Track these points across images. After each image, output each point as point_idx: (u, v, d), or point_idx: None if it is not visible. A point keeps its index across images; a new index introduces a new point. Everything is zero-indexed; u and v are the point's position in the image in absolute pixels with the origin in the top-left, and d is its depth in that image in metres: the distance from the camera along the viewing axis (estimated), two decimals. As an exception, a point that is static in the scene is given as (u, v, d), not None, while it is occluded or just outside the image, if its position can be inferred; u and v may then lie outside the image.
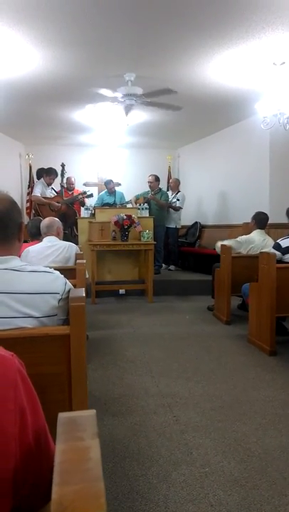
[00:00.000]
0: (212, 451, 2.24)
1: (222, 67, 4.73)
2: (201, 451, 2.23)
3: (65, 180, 7.69)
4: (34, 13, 3.53)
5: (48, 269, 1.57)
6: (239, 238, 5.05)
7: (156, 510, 1.78)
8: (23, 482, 0.66)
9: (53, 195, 7.27)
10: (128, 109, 5.37)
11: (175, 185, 8.14)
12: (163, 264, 7.78)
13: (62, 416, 0.62)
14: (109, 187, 7.72)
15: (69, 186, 7.93)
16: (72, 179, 8.04)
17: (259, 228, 5.03)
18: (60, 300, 1.54)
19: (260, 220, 5.04)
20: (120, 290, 6.56)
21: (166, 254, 7.97)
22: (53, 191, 7.30)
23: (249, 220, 5.25)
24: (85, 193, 7.48)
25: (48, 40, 4.03)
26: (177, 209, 7.81)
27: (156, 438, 2.37)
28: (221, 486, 1.93)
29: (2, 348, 0.73)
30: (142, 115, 6.50)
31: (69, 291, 1.59)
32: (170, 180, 8.60)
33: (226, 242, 5.05)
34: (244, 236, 5.05)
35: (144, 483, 1.96)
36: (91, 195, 7.63)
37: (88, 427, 0.59)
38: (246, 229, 5.15)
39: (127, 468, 2.07)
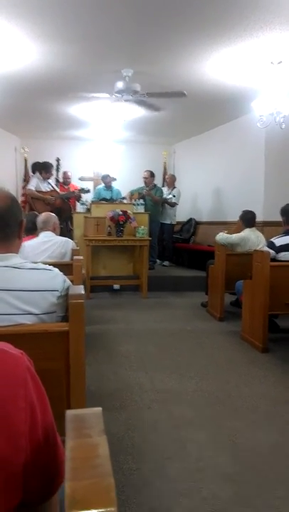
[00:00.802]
0: (205, 446, 2.28)
1: (220, 64, 4.74)
2: (194, 446, 2.27)
3: (60, 175, 7.68)
4: (32, 8, 3.51)
5: (47, 267, 1.59)
6: (237, 237, 5.04)
7: (150, 504, 1.82)
8: (32, 476, 0.69)
9: (49, 190, 7.25)
10: (117, 100, 5.31)
11: (171, 181, 8.13)
12: (157, 260, 7.81)
13: (70, 413, 0.65)
14: (106, 181, 7.73)
15: (65, 181, 7.92)
16: (69, 173, 8.04)
17: (248, 227, 5.06)
18: (59, 297, 1.56)
19: (248, 220, 5.07)
20: (115, 285, 6.58)
21: (161, 250, 8.00)
22: (50, 185, 7.28)
23: (243, 218, 5.27)
24: (82, 189, 7.48)
25: (46, 34, 4.02)
26: (173, 205, 7.82)
27: (150, 433, 2.41)
28: (213, 481, 1.97)
29: (11, 345, 0.75)
30: (138, 110, 6.49)
31: (68, 288, 1.61)
32: (166, 176, 8.61)
33: (231, 237, 5.03)
34: (240, 234, 5.06)
35: (139, 477, 2.00)
36: (88, 191, 7.64)
37: (95, 424, 0.61)
38: (239, 228, 5.17)
39: (121, 462, 2.11)
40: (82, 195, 7.29)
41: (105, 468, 0.51)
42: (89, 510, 0.44)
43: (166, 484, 1.94)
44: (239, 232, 5.11)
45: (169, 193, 7.84)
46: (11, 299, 1.44)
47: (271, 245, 4.23)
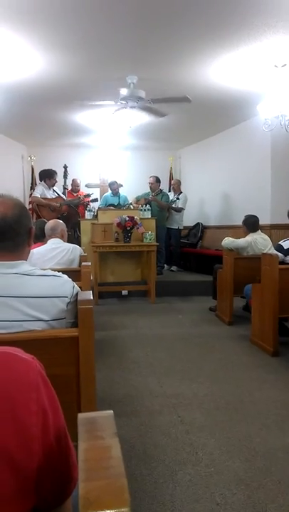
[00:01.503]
0: (217, 450, 2.27)
1: (224, 69, 4.76)
2: (206, 451, 2.26)
3: (68, 182, 7.73)
4: (37, 17, 3.56)
5: (56, 273, 1.60)
6: (243, 241, 5.03)
7: (162, 510, 1.81)
8: (45, 480, 0.69)
9: (54, 197, 7.28)
10: (122, 107, 5.35)
11: (177, 187, 8.14)
12: (165, 265, 7.81)
13: (82, 416, 0.66)
14: (113, 188, 7.75)
15: (74, 188, 7.98)
16: (78, 181, 8.10)
17: (251, 232, 5.03)
18: (68, 303, 1.57)
19: (251, 224, 5.04)
20: (123, 291, 6.59)
21: (169, 255, 8.00)
22: (55, 193, 7.31)
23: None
24: (89, 195, 7.52)
25: (51, 43, 4.07)
26: (179, 210, 7.82)
27: (161, 438, 2.40)
28: (226, 486, 1.96)
29: (22, 351, 0.76)
30: (143, 117, 6.53)
31: (77, 294, 1.62)
32: (172, 182, 8.61)
33: (238, 241, 5.03)
34: (246, 238, 5.04)
35: (151, 483, 1.99)
36: (96, 200, 7.68)
37: (107, 426, 0.62)
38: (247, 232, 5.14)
39: (133, 468, 2.10)
40: (91, 203, 7.32)
41: (118, 469, 0.51)
42: (103, 510, 0.45)
43: (178, 489, 1.94)
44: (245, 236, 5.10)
45: (175, 198, 7.85)
46: (21, 305, 1.45)
47: (279, 248, 4.22)
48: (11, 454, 0.65)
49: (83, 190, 8.23)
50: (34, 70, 4.71)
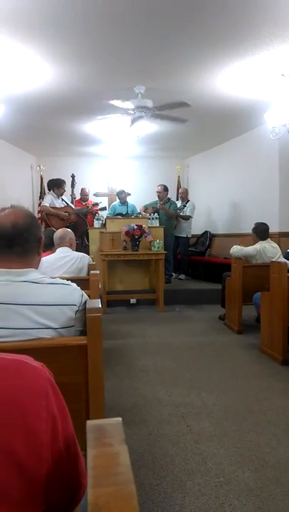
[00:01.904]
0: (226, 460, 2.25)
1: (231, 78, 4.79)
2: (215, 461, 2.24)
3: (76, 191, 7.78)
4: (46, 29, 3.63)
5: (65, 282, 1.61)
6: (252, 249, 5.00)
7: (171, 520, 1.80)
8: (54, 487, 0.70)
9: (63, 206, 7.32)
10: (135, 120, 5.43)
11: (185, 195, 8.18)
12: (173, 274, 7.80)
13: (91, 424, 0.66)
14: (122, 197, 7.78)
15: (83, 197, 8.04)
16: (87, 190, 8.16)
17: (262, 240, 5.01)
18: (77, 311, 1.57)
19: (261, 232, 5.01)
20: (131, 300, 6.59)
21: (177, 264, 7.99)
22: (64, 202, 7.36)
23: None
24: (97, 204, 7.56)
25: (60, 54, 4.13)
26: (186, 218, 7.84)
27: (170, 448, 2.39)
28: (236, 496, 1.94)
29: (31, 358, 0.77)
30: (151, 126, 6.58)
31: (85, 302, 1.63)
32: (180, 190, 8.64)
33: (246, 249, 5.02)
34: (255, 246, 5.02)
35: (160, 493, 1.98)
36: (104, 209, 7.72)
37: (116, 433, 0.62)
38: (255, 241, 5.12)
39: (142, 477, 2.09)
40: (99, 211, 7.37)
41: (127, 476, 0.51)
42: (112, 517, 0.45)
43: (187, 499, 1.92)
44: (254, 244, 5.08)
45: (183, 207, 7.87)
46: (30, 313, 1.46)
47: (288, 256, 4.20)
48: (21, 460, 0.66)
49: (92, 199, 8.28)
50: (43, 81, 4.78)
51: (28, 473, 0.66)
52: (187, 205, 7.93)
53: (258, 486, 2.02)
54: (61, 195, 7.32)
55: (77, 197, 8.05)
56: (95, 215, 7.23)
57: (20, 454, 0.66)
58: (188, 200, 8.06)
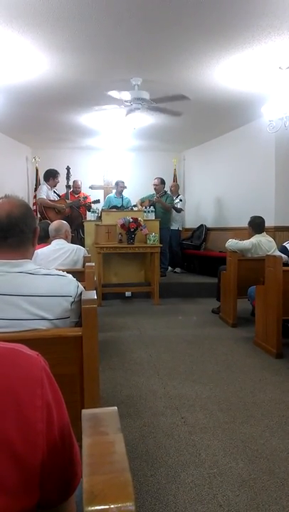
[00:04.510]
0: (220, 452, 2.26)
1: (228, 71, 4.76)
2: (209, 452, 2.25)
3: (71, 183, 7.73)
4: (42, 19, 3.58)
5: (61, 273, 1.61)
6: (248, 243, 5.01)
7: (165, 511, 1.81)
8: (49, 476, 0.70)
9: (55, 198, 7.25)
10: (131, 111, 5.39)
11: (176, 190, 8.35)
12: (169, 267, 7.80)
13: (87, 412, 0.66)
14: (119, 186, 7.69)
15: (75, 190, 7.98)
16: (79, 182, 8.09)
17: (258, 233, 5.02)
18: (72, 303, 1.57)
19: (257, 225, 5.02)
20: (126, 292, 6.59)
21: (171, 257, 8.00)
22: (55, 194, 7.28)
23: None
24: (86, 198, 7.53)
25: (56, 45, 4.08)
26: (179, 211, 7.90)
27: (164, 439, 2.40)
28: (229, 487, 1.95)
29: (27, 347, 0.77)
30: (147, 118, 6.53)
31: (81, 293, 1.63)
32: (171, 185, 8.65)
33: (242, 243, 5.01)
34: (250, 240, 5.02)
35: (154, 484, 1.98)
36: (98, 201, 7.68)
37: (111, 422, 0.62)
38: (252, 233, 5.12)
39: (136, 469, 2.10)
40: (92, 204, 7.33)
41: (122, 464, 0.51)
42: (107, 504, 0.45)
43: (181, 490, 1.93)
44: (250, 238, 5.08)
45: (176, 199, 7.90)
46: (25, 304, 1.45)
47: (284, 250, 4.21)
48: (16, 448, 0.65)
49: (85, 191, 8.22)
50: (39, 71, 4.73)
51: (23, 461, 0.66)
52: (179, 198, 8.00)
53: (252, 477, 2.04)
54: (54, 186, 7.25)
55: (71, 189, 8.00)
56: (89, 208, 7.18)
57: (15, 442, 0.65)
58: (179, 195, 8.17)
